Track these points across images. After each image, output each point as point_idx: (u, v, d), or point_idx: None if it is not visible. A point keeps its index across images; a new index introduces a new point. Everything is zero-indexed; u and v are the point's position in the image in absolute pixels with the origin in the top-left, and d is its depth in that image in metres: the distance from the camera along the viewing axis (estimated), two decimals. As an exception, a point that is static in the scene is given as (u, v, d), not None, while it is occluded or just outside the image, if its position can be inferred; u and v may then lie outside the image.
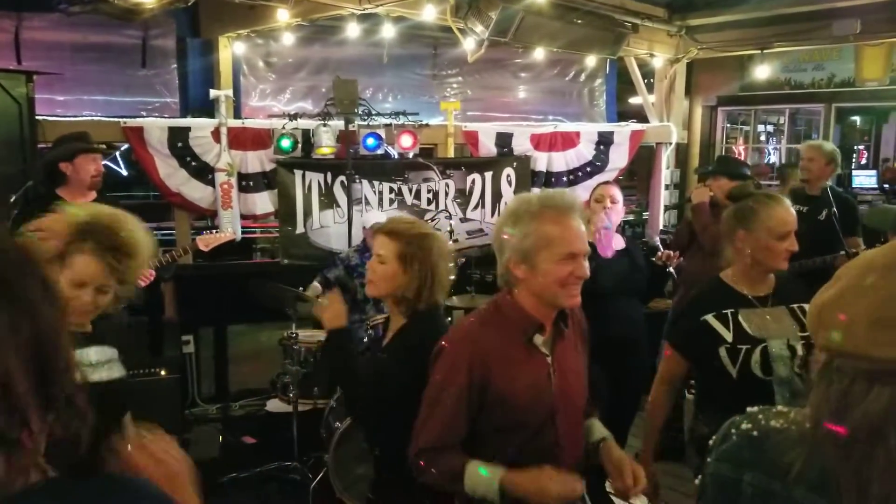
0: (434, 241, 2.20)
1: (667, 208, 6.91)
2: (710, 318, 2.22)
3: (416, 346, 2.07)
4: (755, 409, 1.08)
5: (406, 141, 5.40)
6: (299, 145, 5.23)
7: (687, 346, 2.32)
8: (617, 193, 3.59)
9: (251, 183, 5.33)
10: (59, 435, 0.77)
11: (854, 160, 9.45)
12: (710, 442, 1.11)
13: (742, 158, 8.12)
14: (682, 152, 7.36)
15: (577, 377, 1.89)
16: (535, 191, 6.06)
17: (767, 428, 1.03)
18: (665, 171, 6.89)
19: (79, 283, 1.79)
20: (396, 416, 2.05)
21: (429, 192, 5.68)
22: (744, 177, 4.11)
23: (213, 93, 5.24)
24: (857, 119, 9.62)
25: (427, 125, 5.68)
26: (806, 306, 2.26)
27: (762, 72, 6.58)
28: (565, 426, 1.81)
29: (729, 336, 2.19)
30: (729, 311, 2.22)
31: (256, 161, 5.32)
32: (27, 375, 0.73)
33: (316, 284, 4.43)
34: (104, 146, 3.92)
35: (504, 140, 6.08)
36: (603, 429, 1.96)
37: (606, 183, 3.74)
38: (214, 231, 4.66)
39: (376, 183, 5.53)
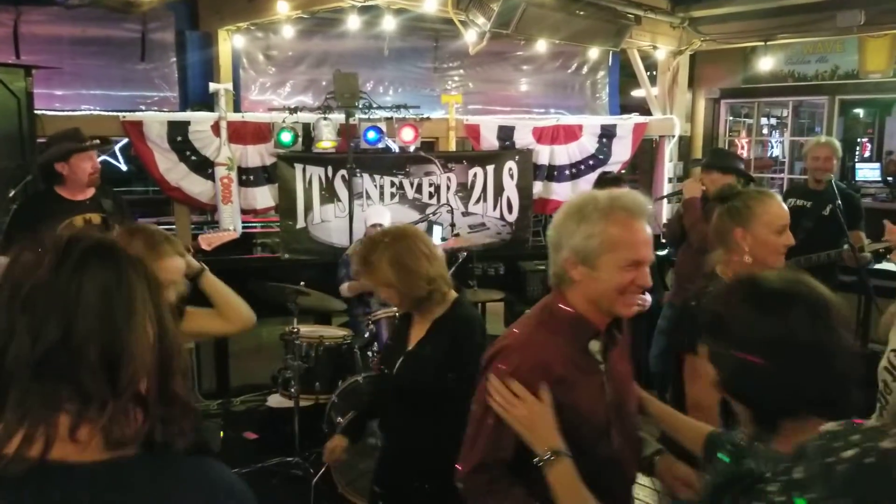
0: (396, 234, 2.30)
1: (669, 201, 6.88)
2: None
3: (453, 338, 2.24)
4: (835, 428, 1.01)
5: (407, 134, 5.37)
6: (300, 139, 5.20)
7: None
8: None
9: (251, 177, 5.30)
10: (172, 434, 0.91)
11: (857, 153, 9.41)
12: (796, 479, 1.04)
13: (737, 151, 8.08)
14: (684, 145, 7.32)
15: (630, 386, 1.78)
16: (554, 186, 6.09)
17: (885, 453, 0.95)
18: (668, 164, 6.86)
19: (171, 282, 2.02)
20: (427, 410, 2.12)
21: (430, 185, 5.65)
22: (737, 171, 4.06)
23: (212, 86, 5.22)
24: (860, 111, 9.56)
25: (428, 118, 5.65)
26: None
27: (765, 64, 6.53)
28: (621, 439, 1.69)
29: None
30: None
31: (256, 155, 5.29)
32: (155, 375, 0.90)
33: (345, 286, 4.59)
34: (97, 141, 3.86)
35: (506, 133, 6.05)
36: (654, 442, 1.84)
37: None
38: (216, 229, 4.64)
39: (377, 177, 5.50)
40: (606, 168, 6.37)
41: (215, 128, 5.09)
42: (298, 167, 5.32)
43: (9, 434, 0.83)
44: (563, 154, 6.23)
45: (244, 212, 5.36)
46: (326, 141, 5.14)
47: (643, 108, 7.22)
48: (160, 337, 0.92)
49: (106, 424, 0.85)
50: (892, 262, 3.10)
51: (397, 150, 5.59)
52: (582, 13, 5.29)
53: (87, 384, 0.85)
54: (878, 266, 4.75)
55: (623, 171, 6.62)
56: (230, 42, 5.99)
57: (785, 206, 2.23)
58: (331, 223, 5.42)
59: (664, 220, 6.66)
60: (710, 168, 4.16)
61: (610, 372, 1.70)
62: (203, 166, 5.12)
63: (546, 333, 1.64)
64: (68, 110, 5.27)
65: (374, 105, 5.34)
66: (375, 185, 5.51)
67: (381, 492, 2.45)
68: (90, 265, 0.90)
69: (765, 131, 9.60)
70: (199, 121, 5.12)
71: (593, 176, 6.32)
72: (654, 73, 6.99)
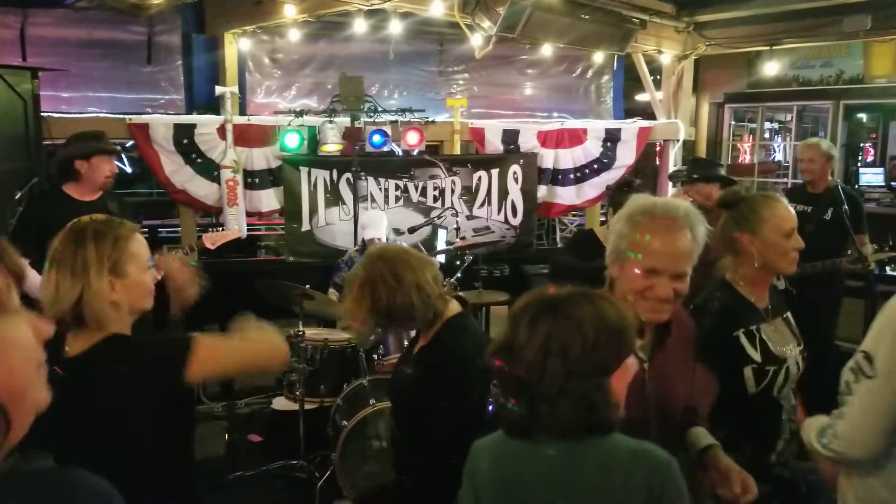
0: (377, 259, 2.15)
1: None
2: (741, 334, 2.07)
3: (438, 364, 2.12)
4: None
5: (412, 138, 5.37)
6: (305, 142, 5.21)
7: (717, 363, 2.04)
8: None
9: (257, 180, 5.31)
10: None
11: (861, 158, 9.40)
12: None
13: (740, 156, 8.09)
14: (688, 149, 7.32)
15: (677, 388, 1.81)
16: (558, 189, 6.08)
17: None
18: (672, 169, 6.85)
19: (146, 265, 1.77)
20: (419, 432, 2.09)
21: (435, 189, 5.65)
22: (721, 178, 4.01)
23: (218, 89, 5.22)
24: (864, 116, 9.55)
25: (433, 122, 5.66)
26: (790, 315, 2.23)
27: (770, 68, 6.54)
28: (660, 436, 1.66)
29: (757, 356, 2.05)
30: (754, 328, 2.08)
31: (262, 158, 5.30)
32: None
33: (333, 291, 4.52)
34: (119, 148, 3.91)
35: (510, 137, 6.05)
36: (709, 436, 1.84)
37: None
38: (220, 228, 4.65)
39: (382, 180, 5.51)
40: (611, 172, 6.37)
41: (221, 131, 5.10)
42: (304, 170, 5.32)
43: None
44: (568, 158, 6.23)
45: (249, 214, 5.36)
46: (331, 144, 5.15)
47: (647, 112, 7.22)
48: None
49: None
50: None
51: (402, 154, 5.60)
52: (587, 17, 5.31)
53: None
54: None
55: (632, 180, 6.62)
56: (236, 45, 6.02)
57: (791, 209, 2.19)
58: (335, 226, 5.43)
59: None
60: (693, 181, 4.10)
61: (655, 371, 1.75)
62: (209, 169, 5.13)
63: None
64: (74, 113, 5.29)
65: (380, 108, 5.34)
66: (380, 189, 5.51)
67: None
68: None
69: (767, 136, 9.59)
70: (205, 123, 5.13)
71: (598, 180, 6.32)
72: (659, 77, 6.99)
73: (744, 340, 2.06)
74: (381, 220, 4.66)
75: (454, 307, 2.22)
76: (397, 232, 5.09)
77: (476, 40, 5.26)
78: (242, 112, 5.83)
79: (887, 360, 1.52)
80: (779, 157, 9.94)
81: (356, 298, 2.12)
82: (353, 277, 2.17)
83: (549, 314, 1.31)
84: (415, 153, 5.50)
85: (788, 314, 2.25)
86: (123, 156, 7.35)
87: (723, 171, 4.20)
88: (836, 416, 1.67)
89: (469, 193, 5.78)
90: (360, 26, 5.33)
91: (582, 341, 1.28)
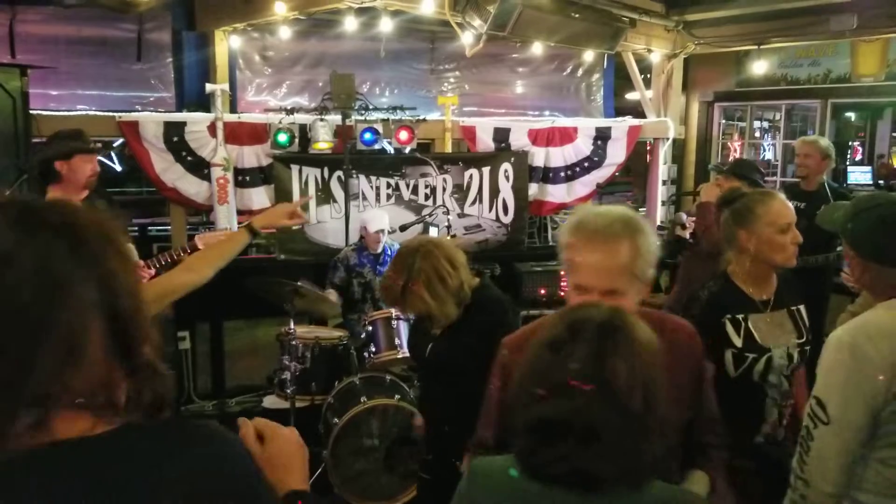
0: (416, 254, 2.39)
1: (664, 203, 6.92)
2: (727, 321, 2.17)
3: (481, 320, 2.36)
4: None
5: (403, 136, 5.38)
6: (296, 140, 5.20)
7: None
8: None
9: (247, 178, 5.29)
10: (147, 399, 0.84)
11: (849, 156, 9.47)
12: None
13: (729, 155, 8.15)
14: (678, 148, 7.36)
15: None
16: (549, 188, 6.11)
17: None
18: (662, 167, 6.90)
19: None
20: (460, 395, 2.16)
21: (426, 187, 5.66)
22: (755, 183, 4.06)
23: (208, 87, 5.21)
24: (852, 115, 9.63)
25: (424, 120, 5.66)
26: (802, 308, 2.28)
27: (759, 67, 6.59)
28: None
29: (738, 342, 2.16)
30: (741, 316, 2.18)
31: (253, 156, 5.29)
32: (107, 341, 0.81)
33: (331, 291, 4.55)
34: (100, 146, 3.84)
35: (502, 135, 6.06)
36: (704, 485, 1.68)
37: None
38: (212, 228, 4.64)
39: (373, 178, 5.51)
40: (601, 170, 6.40)
41: (211, 128, 5.08)
42: (294, 168, 5.32)
43: None
44: (559, 156, 6.26)
45: (240, 212, 5.34)
46: (323, 142, 5.14)
47: (637, 110, 7.26)
48: (116, 303, 0.81)
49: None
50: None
51: (393, 152, 5.60)
52: (578, 16, 5.33)
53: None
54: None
55: (617, 174, 6.66)
56: (227, 43, 6.00)
57: (790, 205, 2.25)
58: (327, 224, 5.43)
59: (658, 223, 6.70)
60: (731, 175, 4.17)
61: None
62: (199, 167, 5.11)
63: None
64: (64, 110, 5.27)
65: (371, 106, 5.34)
66: (371, 187, 5.52)
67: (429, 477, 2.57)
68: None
69: (756, 134, 9.65)
70: (196, 121, 5.11)
71: (588, 178, 6.36)
72: (649, 76, 7.03)
73: (728, 326, 2.18)
74: (383, 216, 4.71)
75: (475, 279, 2.49)
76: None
77: (467, 38, 5.27)
78: (233, 110, 5.82)
79: (839, 408, 1.60)
80: (768, 155, 9.99)
81: (424, 294, 2.33)
82: (416, 273, 2.35)
83: (616, 345, 1.13)
84: (406, 151, 5.51)
85: (800, 308, 2.31)
86: (113, 154, 7.32)
87: (759, 178, 4.27)
88: (798, 474, 1.67)
89: (460, 191, 5.80)
90: (350, 24, 5.33)
91: (662, 378, 1.12)
